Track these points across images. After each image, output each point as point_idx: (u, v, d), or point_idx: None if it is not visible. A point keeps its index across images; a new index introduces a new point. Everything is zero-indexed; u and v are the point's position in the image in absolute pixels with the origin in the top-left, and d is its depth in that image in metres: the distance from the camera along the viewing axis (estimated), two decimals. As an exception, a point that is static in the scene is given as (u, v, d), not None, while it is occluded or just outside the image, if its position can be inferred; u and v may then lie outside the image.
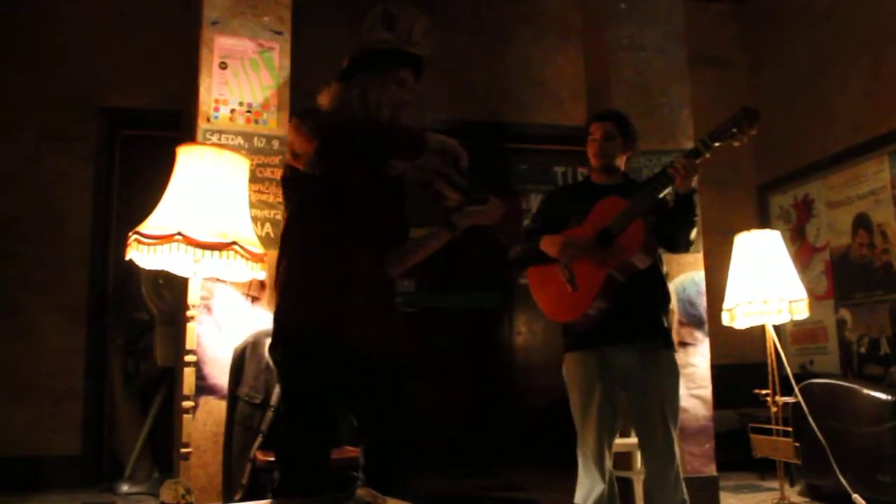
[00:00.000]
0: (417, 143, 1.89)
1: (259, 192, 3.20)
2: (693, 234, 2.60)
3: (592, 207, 2.58)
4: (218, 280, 3.02)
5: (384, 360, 1.98)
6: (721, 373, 3.85)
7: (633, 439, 3.12)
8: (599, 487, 2.52)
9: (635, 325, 2.56)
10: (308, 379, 1.90)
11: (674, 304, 3.62)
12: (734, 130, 2.42)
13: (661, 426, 2.54)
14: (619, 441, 2.69)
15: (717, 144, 2.44)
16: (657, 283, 2.64)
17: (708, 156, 2.45)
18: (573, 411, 2.68)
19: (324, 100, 2.06)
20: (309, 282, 1.93)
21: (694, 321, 3.71)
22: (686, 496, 2.57)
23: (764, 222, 5.33)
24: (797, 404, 3.52)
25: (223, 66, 3.27)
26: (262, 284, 3.14)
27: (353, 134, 1.90)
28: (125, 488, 4.04)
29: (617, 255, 2.48)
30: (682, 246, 2.65)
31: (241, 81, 3.27)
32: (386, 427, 1.99)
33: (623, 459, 3.16)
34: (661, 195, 2.50)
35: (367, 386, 1.96)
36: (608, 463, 2.57)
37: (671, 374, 2.61)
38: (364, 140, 1.90)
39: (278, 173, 3.03)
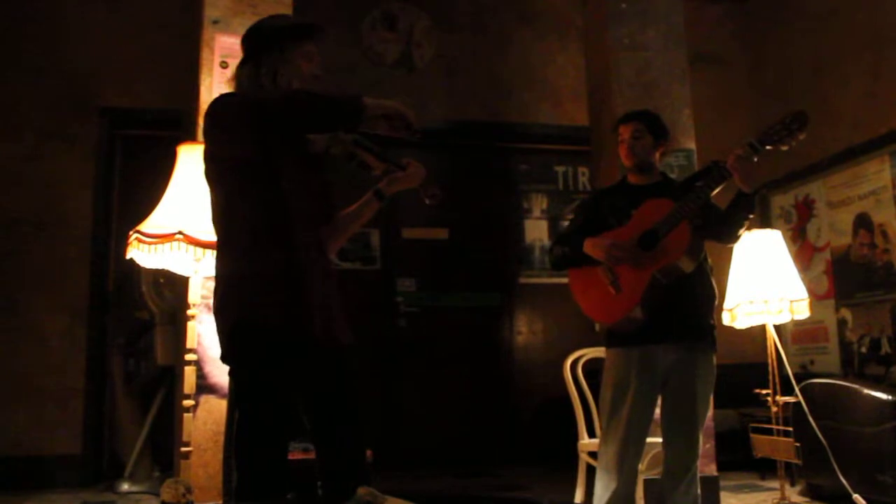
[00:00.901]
0: (355, 109, 1.79)
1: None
2: (744, 230, 2.59)
3: (632, 209, 2.56)
4: (218, 279, 3.02)
5: (339, 348, 1.94)
6: (721, 372, 3.79)
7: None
8: (612, 486, 2.53)
9: (681, 324, 2.55)
10: (267, 375, 1.86)
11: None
12: (783, 134, 2.37)
13: (691, 426, 2.55)
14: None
15: (768, 148, 2.39)
16: (703, 282, 2.62)
17: (756, 159, 2.40)
18: (601, 407, 2.66)
19: (228, 88, 2.00)
20: (259, 274, 1.86)
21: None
22: (699, 495, 2.58)
23: (764, 222, 5.33)
24: (797, 404, 3.52)
25: (224, 65, 3.27)
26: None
27: (290, 107, 1.82)
28: (125, 487, 4.04)
29: (661, 257, 2.46)
30: (733, 241, 2.66)
31: (242, 81, 3.27)
32: (343, 421, 1.93)
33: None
34: (711, 196, 2.47)
35: (323, 376, 1.92)
36: (633, 463, 2.56)
37: (709, 375, 2.63)
38: (301, 111, 1.82)
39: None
